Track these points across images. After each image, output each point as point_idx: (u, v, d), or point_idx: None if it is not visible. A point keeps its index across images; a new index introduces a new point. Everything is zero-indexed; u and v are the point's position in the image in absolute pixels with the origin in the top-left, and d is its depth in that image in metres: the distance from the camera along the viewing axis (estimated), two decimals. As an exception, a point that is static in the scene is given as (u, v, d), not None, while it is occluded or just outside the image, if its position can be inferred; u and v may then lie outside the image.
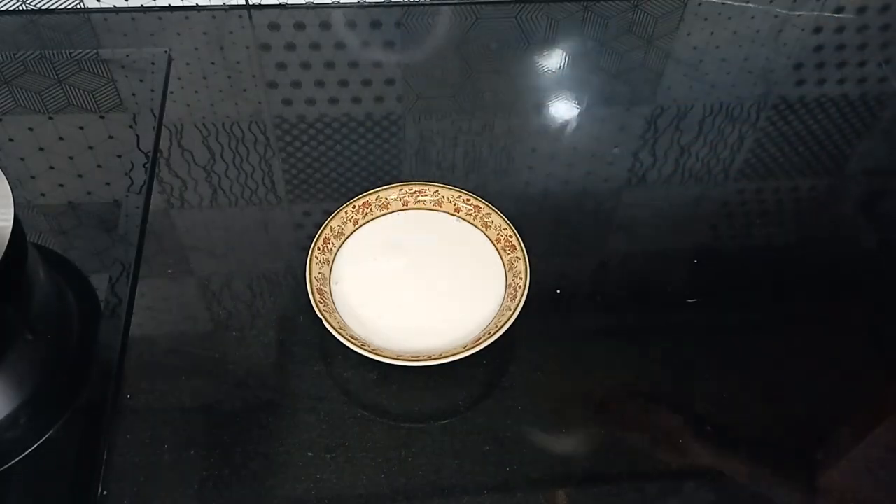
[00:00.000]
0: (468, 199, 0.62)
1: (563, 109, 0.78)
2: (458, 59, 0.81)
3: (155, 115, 0.72)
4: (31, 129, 0.70)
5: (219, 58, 0.79)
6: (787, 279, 0.63)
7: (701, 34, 0.85)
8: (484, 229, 0.62)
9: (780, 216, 0.68)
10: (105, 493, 0.48)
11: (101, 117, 0.72)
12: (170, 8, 0.83)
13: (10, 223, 0.48)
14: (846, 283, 0.63)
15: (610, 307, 0.60)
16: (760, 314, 0.61)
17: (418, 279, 0.59)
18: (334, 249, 0.60)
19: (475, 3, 0.85)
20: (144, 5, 0.82)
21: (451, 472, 0.50)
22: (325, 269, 0.58)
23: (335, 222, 0.60)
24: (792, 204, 0.70)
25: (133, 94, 0.75)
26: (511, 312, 0.54)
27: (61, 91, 0.74)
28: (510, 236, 0.60)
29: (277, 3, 0.83)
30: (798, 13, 0.87)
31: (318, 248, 0.58)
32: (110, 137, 0.70)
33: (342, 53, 0.80)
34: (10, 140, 0.70)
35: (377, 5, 0.84)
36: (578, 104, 0.78)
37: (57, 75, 0.75)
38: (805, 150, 0.74)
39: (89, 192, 0.66)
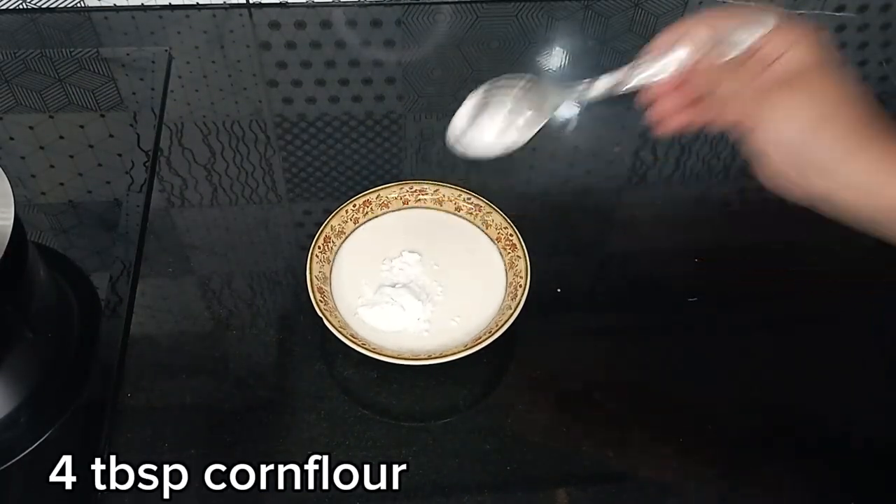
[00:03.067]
0: (469, 198, 0.62)
1: (563, 108, 0.77)
2: (458, 58, 0.81)
3: (155, 114, 0.72)
4: (31, 127, 0.70)
5: (219, 56, 0.79)
6: (787, 278, 0.63)
7: (702, 33, 0.84)
8: (484, 228, 0.62)
9: (782, 215, 0.68)
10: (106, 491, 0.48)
11: (102, 116, 0.72)
12: (170, 6, 0.83)
13: (10, 222, 0.48)
14: (847, 281, 0.63)
15: (610, 306, 0.60)
16: (761, 313, 0.61)
17: (419, 278, 0.59)
18: (335, 248, 0.60)
19: (476, 2, 0.85)
20: (145, 4, 0.82)
21: (452, 471, 0.50)
22: (326, 268, 0.58)
23: (336, 221, 0.60)
24: (793, 203, 0.69)
25: (133, 93, 0.75)
26: (511, 311, 0.54)
27: (62, 90, 0.74)
28: (511, 235, 0.60)
29: (278, 1, 0.83)
30: (799, 12, 0.87)
31: (319, 247, 0.58)
32: (111, 136, 0.70)
33: (343, 52, 0.80)
34: (11, 139, 0.70)
35: (378, 4, 0.84)
36: (579, 103, 0.78)
37: (57, 74, 0.75)
38: (806, 148, 0.73)
39: (90, 191, 0.66)
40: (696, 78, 0.42)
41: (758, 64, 0.41)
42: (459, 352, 0.52)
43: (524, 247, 0.58)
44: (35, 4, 0.81)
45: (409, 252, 0.60)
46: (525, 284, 0.56)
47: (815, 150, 0.39)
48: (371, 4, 0.84)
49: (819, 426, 0.54)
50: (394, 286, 0.57)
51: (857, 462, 0.52)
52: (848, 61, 0.82)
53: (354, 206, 0.62)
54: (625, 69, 0.43)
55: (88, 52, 0.78)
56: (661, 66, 0.42)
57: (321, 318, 0.53)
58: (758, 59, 0.41)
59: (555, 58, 0.83)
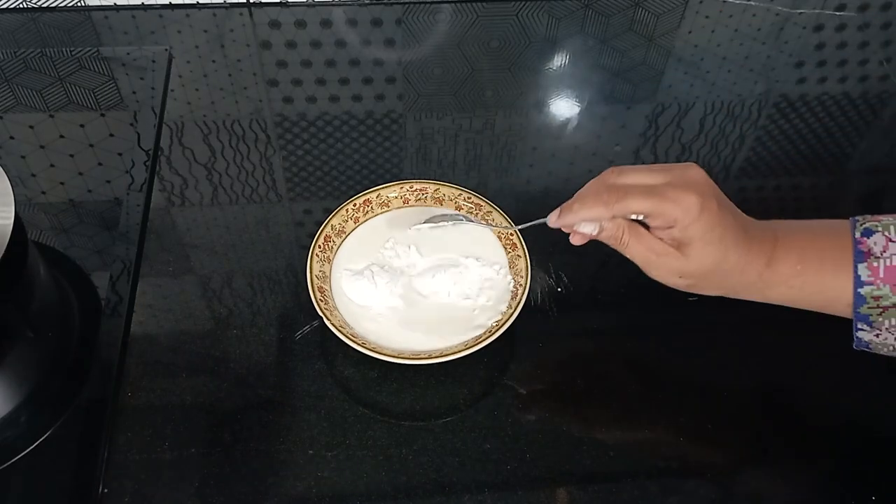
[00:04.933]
0: (469, 198, 0.62)
1: (563, 107, 0.77)
2: (458, 57, 0.81)
3: (155, 113, 0.72)
4: (31, 126, 0.70)
5: (219, 56, 0.79)
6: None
7: (702, 32, 0.84)
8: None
9: (782, 214, 0.68)
10: (106, 490, 0.48)
11: (102, 115, 0.72)
12: (170, 6, 0.83)
13: (10, 221, 0.48)
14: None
15: (611, 305, 0.60)
16: (761, 312, 0.60)
17: (419, 277, 0.59)
18: (335, 247, 0.60)
19: (476, 1, 0.85)
20: (145, 3, 0.82)
21: (452, 470, 0.50)
22: (326, 267, 0.58)
23: (336, 220, 0.60)
24: (793, 202, 0.70)
25: (134, 92, 0.75)
26: (511, 311, 0.54)
27: (62, 89, 0.74)
28: (511, 234, 0.60)
29: (278, 0, 0.83)
30: (799, 11, 0.87)
31: (319, 246, 0.58)
32: (111, 135, 0.70)
33: (343, 51, 0.80)
34: (11, 138, 0.70)
35: (378, 3, 0.84)
36: (579, 102, 0.78)
37: (57, 73, 0.75)
38: (806, 148, 0.74)
39: (90, 190, 0.66)
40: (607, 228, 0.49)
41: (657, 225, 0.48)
42: (459, 351, 0.52)
43: (524, 246, 0.58)
44: (35, 3, 0.81)
45: (417, 248, 0.60)
46: (525, 284, 0.56)
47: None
48: (371, 3, 0.84)
49: (820, 425, 0.54)
50: (382, 267, 0.58)
51: (858, 460, 0.52)
52: (848, 61, 0.82)
53: (355, 205, 0.62)
54: (553, 217, 0.51)
55: (89, 51, 0.78)
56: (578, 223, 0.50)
57: (321, 318, 0.53)
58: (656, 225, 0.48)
59: (555, 57, 0.83)
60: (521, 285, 0.56)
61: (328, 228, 0.60)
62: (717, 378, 0.56)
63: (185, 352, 0.56)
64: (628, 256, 0.49)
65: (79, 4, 0.81)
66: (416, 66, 0.80)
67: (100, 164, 0.68)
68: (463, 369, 0.54)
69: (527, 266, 0.57)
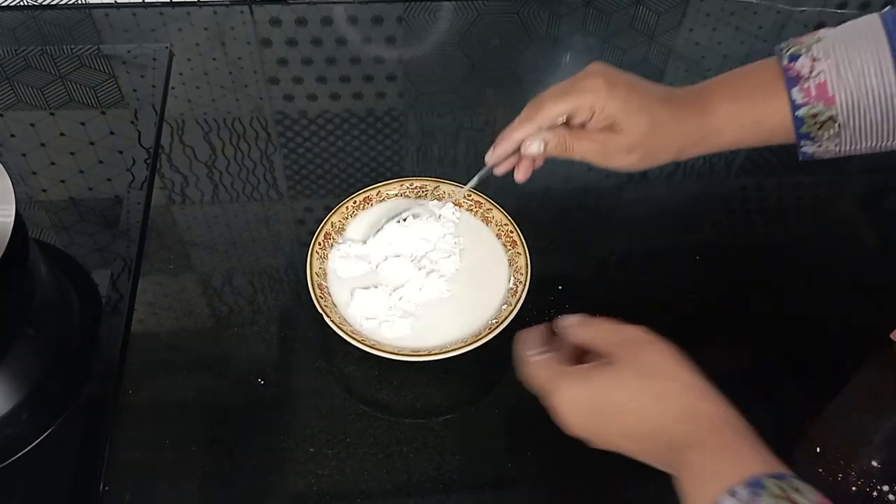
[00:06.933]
0: (469, 195, 0.62)
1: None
2: (459, 55, 0.81)
3: (156, 111, 0.72)
4: (32, 124, 0.70)
5: (220, 53, 0.79)
6: (788, 276, 0.63)
7: (703, 30, 0.84)
8: (485, 225, 0.62)
9: (782, 213, 0.68)
10: (107, 488, 0.48)
11: (103, 113, 0.72)
12: (171, 3, 0.83)
13: (11, 219, 0.48)
14: (847, 279, 0.63)
15: (611, 303, 0.60)
16: (761, 310, 0.61)
17: (419, 275, 0.58)
18: (335, 245, 0.60)
19: (477, -1, 0.85)
20: (146, 1, 0.82)
21: (452, 468, 0.50)
22: (326, 265, 0.58)
23: (336, 218, 0.60)
24: (793, 201, 0.69)
25: (134, 90, 0.75)
26: (512, 308, 0.54)
27: (62, 87, 0.74)
28: (511, 232, 0.60)
29: (279, -2, 0.83)
30: (801, 9, 0.86)
31: (319, 244, 0.58)
32: (111, 133, 0.70)
33: (343, 49, 0.80)
34: (12, 136, 0.70)
35: (379, 0, 0.84)
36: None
37: (58, 71, 0.75)
38: (807, 146, 0.73)
39: (90, 188, 0.66)
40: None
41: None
42: (460, 348, 0.52)
43: (524, 243, 0.58)
44: (36, 1, 0.81)
45: (413, 216, 0.61)
46: (525, 281, 0.56)
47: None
48: (372, 1, 0.84)
49: (820, 422, 0.54)
50: (385, 258, 0.58)
51: (859, 460, 0.52)
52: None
53: (355, 202, 0.62)
54: (490, 154, 0.53)
55: (89, 48, 0.78)
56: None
57: (322, 315, 0.53)
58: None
59: (556, 55, 0.83)
60: (521, 283, 0.56)
61: (328, 226, 0.60)
62: (716, 378, 0.56)
63: (185, 350, 0.56)
64: (581, 158, 0.51)
65: (79, 2, 0.81)
66: (416, 63, 0.80)
67: (100, 161, 0.68)
68: (463, 367, 0.54)
69: (526, 263, 0.57)
